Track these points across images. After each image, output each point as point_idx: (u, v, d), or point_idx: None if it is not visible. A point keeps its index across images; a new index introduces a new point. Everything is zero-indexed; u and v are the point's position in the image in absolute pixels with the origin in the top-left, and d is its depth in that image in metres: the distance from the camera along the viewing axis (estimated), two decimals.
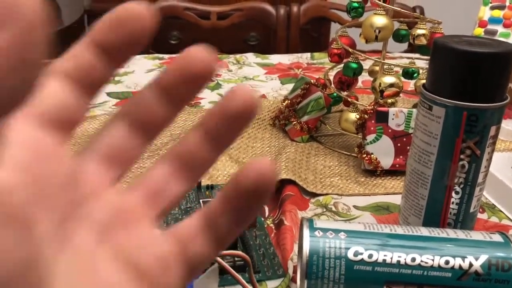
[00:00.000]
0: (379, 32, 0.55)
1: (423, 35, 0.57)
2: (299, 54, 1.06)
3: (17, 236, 0.13)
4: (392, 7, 0.57)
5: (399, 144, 0.55)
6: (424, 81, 0.61)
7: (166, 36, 1.82)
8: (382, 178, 0.55)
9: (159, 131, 0.19)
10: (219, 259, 0.37)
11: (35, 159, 0.15)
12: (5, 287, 0.13)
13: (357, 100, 0.66)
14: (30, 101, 0.14)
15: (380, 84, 0.56)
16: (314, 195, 0.51)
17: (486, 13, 0.70)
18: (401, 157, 0.55)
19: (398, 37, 0.62)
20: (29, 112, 0.16)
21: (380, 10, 0.56)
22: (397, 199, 0.51)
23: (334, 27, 1.84)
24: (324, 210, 0.48)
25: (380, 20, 0.55)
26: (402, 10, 0.55)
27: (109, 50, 0.17)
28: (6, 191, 0.13)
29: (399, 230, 0.35)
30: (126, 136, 0.18)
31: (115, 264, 0.17)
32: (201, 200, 0.44)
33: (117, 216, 0.17)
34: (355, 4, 0.59)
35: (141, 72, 0.90)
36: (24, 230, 0.13)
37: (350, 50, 0.60)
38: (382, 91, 0.56)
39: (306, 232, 0.35)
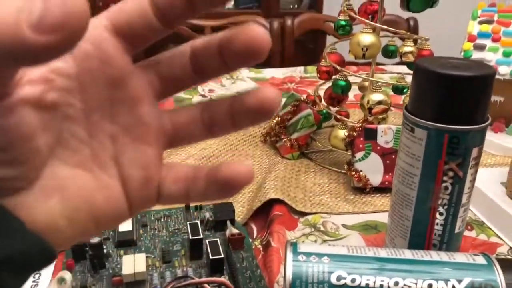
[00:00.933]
0: (366, 50, 0.56)
1: (411, 52, 0.57)
2: (293, 68, 1.06)
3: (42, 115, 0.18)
4: (379, 25, 0.57)
5: (388, 161, 0.55)
6: None
7: (160, 49, 1.83)
8: (372, 195, 0.55)
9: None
10: (205, 285, 0.37)
11: (93, 54, 0.19)
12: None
13: (348, 115, 0.66)
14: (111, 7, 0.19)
15: (368, 101, 0.57)
16: (303, 214, 0.51)
17: (475, 27, 0.71)
18: (390, 174, 0.55)
19: (387, 53, 0.63)
20: (106, 15, 0.19)
21: (368, 28, 0.57)
22: (385, 218, 0.50)
23: (330, 39, 1.85)
24: (313, 230, 0.48)
25: (367, 38, 0.56)
26: (388, 28, 0.55)
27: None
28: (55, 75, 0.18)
29: (383, 253, 0.35)
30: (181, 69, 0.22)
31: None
32: (188, 223, 0.44)
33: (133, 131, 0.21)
34: (343, 22, 0.59)
35: None
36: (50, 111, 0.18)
37: (339, 68, 0.60)
38: (370, 108, 0.57)
39: (289, 256, 0.35)
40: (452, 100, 0.35)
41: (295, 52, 1.40)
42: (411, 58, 0.57)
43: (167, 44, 1.65)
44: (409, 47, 0.57)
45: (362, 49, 0.56)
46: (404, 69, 0.79)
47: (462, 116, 0.35)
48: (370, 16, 0.60)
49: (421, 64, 0.37)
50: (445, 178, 0.37)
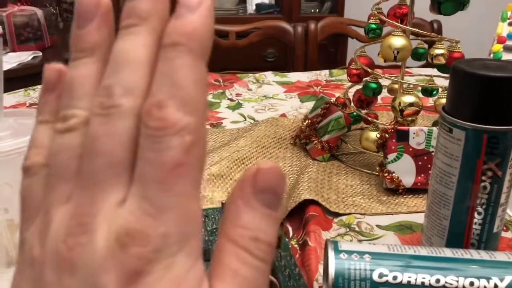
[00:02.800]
0: (398, 53, 0.56)
1: (442, 54, 0.57)
2: (318, 72, 1.07)
3: None
4: (410, 28, 0.58)
5: (420, 163, 0.56)
6: (443, 99, 0.61)
7: None
8: (404, 196, 0.55)
9: None
10: None
11: None
12: None
13: (376, 117, 0.67)
14: None
15: (399, 103, 0.57)
16: (337, 215, 0.52)
17: (504, 29, 0.71)
18: (422, 175, 0.56)
19: (417, 55, 0.63)
20: None
21: (398, 31, 0.57)
22: (419, 218, 0.51)
23: (352, 42, 1.86)
24: (348, 230, 0.49)
25: (398, 41, 0.56)
26: (420, 31, 0.56)
27: None
28: None
29: (423, 251, 0.36)
30: None
31: None
32: None
33: None
34: (373, 26, 0.60)
35: None
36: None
37: (369, 70, 0.61)
38: (402, 110, 0.57)
39: (331, 254, 0.35)
40: (490, 101, 0.36)
41: (318, 56, 1.41)
42: (442, 61, 0.58)
43: None
44: (440, 50, 0.58)
45: (394, 52, 0.56)
46: (430, 71, 0.80)
47: (501, 116, 0.36)
48: (399, 20, 0.61)
49: (458, 66, 0.37)
50: (483, 177, 0.37)
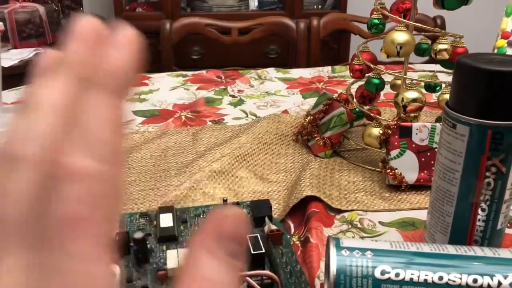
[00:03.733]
0: (401, 48, 0.56)
1: (445, 49, 0.57)
2: (320, 68, 1.07)
3: None
4: (413, 23, 0.57)
5: (423, 159, 0.55)
6: (446, 95, 0.61)
7: (188, 51, 1.86)
8: (407, 193, 0.55)
9: None
10: (248, 278, 0.38)
11: None
12: None
13: (379, 114, 0.66)
14: None
15: (402, 99, 0.57)
16: (339, 211, 0.51)
17: (508, 24, 0.70)
18: (425, 171, 0.55)
19: (420, 51, 0.62)
20: None
21: (401, 26, 0.57)
22: (422, 215, 0.51)
23: (354, 38, 1.85)
24: (350, 226, 0.49)
25: (401, 36, 0.56)
26: (423, 26, 0.55)
27: None
28: None
29: (426, 248, 0.35)
30: None
31: None
32: None
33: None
34: (376, 21, 0.60)
35: (165, 89, 0.92)
36: None
37: (372, 66, 0.61)
38: (405, 106, 0.57)
39: (332, 251, 0.35)
40: (495, 96, 0.35)
41: (320, 52, 1.40)
42: (445, 56, 0.57)
43: (194, 46, 1.67)
44: (443, 45, 0.57)
45: (397, 47, 0.56)
46: (433, 67, 0.79)
47: (506, 111, 0.35)
48: (402, 15, 0.60)
49: (463, 60, 0.37)
50: (487, 173, 0.37)
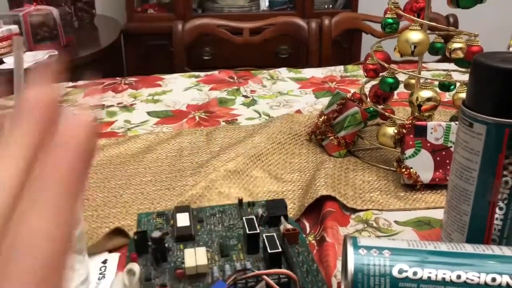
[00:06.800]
0: (415, 47, 0.56)
1: (460, 48, 0.57)
2: (332, 68, 1.07)
3: None
4: (427, 22, 0.57)
5: (438, 158, 0.55)
6: (462, 94, 0.61)
7: (198, 52, 1.87)
8: (422, 192, 0.55)
9: None
10: (265, 277, 0.38)
11: None
12: None
13: (393, 113, 0.66)
14: None
15: (417, 98, 0.57)
16: (355, 210, 0.51)
17: None
18: (440, 171, 0.55)
19: (434, 50, 0.62)
20: None
21: (415, 25, 0.57)
22: (438, 214, 0.51)
23: (365, 38, 1.84)
24: (365, 226, 0.49)
25: (416, 36, 0.56)
26: (437, 25, 0.55)
27: None
28: None
29: (443, 247, 0.36)
30: None
31: None
32: (244, 218, 0.45)
33: None
34: (390, 20, 0.60)
35: (178, 90, 0.93)
36: None
37: (386, 65, 0.61)
38: (419, 105, 0.57)
39: (350, 250, 0.35)
40: None
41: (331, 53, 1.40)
42: (460, 55, 0.57)
43: (204, 47, 1.67)
44: (458, 44, 0.57)
45: (411, 46, 0.56)
46: (446, 67, 0.79)
47: None
48: (416, 14, 0.60)
49: (479, 59, 0.37)
50: (505, 172, 0.37)
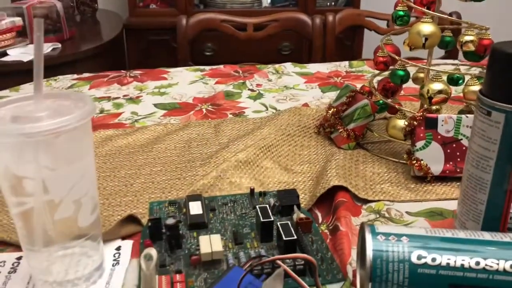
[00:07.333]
0: (426, 40, 0.56)
1: (471, 41, 0.57)
2: (337, 63, 1.07)
3: None
4: (439, 14, 0.57)
5: (448, 150, 0.55)
6: (472, 87, 0.61)
7: (200, 48, 1.86)
8: (433, 184, 0.55)
9: None
10: (280, 262, 0.38)
11: None
12: None
13: (401, 106, 0.66)
14: None
15: (428, 90, 0.57)
16: (366, 201, 0.51)
17: None
18: (451, 163, 0.55)
19: (444, 43, 0.62)
20: None
21: (427, 18, 0.57)
22: (449, 205, 0.51)
23: (368, 35, 1.84)
24: (377, 216, 0.49)
25: (427, 28, 0.56)
26: (449, 17, 0.55)
27: None
28: None
29: (461, 234, 0.36)
30: None
31: None
32: (257, 206, 0.45)
33: None
34: (401, 13, 0.60)
35: (184, 83, 0.93)
36: None
37: (397, 57, 0.61)
38: (430, 98, 0.57)
39: (368, 236, 0.35)
40: None
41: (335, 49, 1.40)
42: (471, 48, 0.57)
43: (206, 43, 1.68)
44: (469, 36, 0.57)
45: (423, 38, 0.56)
46: (450, 62, 0.79)
47: None
48: (426, 7, 0.60)
49: (498, 47, 0.37)
50: None
